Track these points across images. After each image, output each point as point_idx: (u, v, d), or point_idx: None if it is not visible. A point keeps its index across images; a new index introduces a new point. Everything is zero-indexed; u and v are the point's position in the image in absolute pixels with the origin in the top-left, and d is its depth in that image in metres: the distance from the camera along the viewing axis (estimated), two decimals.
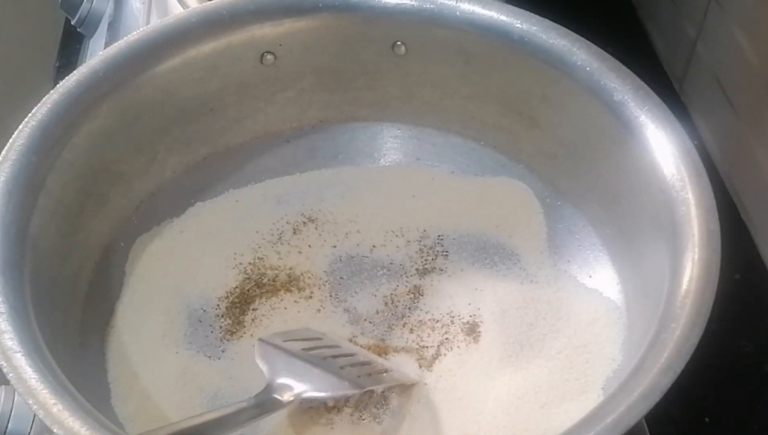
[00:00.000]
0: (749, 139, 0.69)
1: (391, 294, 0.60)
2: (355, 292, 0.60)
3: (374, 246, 0.62)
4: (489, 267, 0.60)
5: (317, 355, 0.53)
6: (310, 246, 0.62)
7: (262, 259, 0.61)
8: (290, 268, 0.61)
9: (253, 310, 0.59)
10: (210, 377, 0.55)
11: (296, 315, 0.59)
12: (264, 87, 0.64)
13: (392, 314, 0.58)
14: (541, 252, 0.61)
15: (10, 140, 0.52)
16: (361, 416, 0.53)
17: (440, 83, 0.64)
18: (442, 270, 0.61)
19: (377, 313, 0.59)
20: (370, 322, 0.58)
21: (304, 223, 0.63)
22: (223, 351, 0.57)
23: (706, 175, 0.50)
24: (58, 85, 0.55)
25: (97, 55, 0.58)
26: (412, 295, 0.59)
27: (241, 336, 0.57)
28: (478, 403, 0.54)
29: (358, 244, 0.62)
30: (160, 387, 0.54)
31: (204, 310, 0.58)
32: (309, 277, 0.60)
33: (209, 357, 0.56)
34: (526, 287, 0.59)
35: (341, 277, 0.61)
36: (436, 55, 0.62)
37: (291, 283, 0.60)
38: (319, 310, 0.59)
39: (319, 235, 0.63)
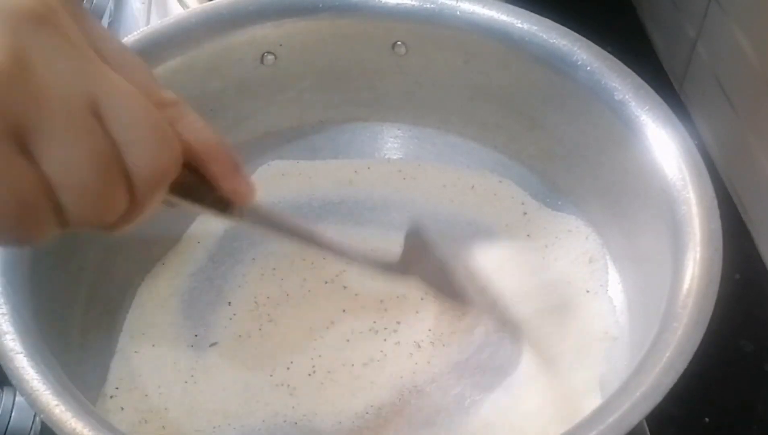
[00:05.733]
0: (749, 139, 0.69)
1: None
2: None
3: None
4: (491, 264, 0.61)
5: None
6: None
7: None
8: None
9: (255, 302, 0.59)
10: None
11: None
12: (264, 87, 0.64)
13: None
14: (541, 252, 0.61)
15: None
16: None
17: (440, 83, 0.64)
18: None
19: None
20: None
21: None
22: None
23: (707, 174, 0.50)
24: None
25: None
26: None
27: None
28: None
29: None
30: (161, 387, 0.54)
31: None
32: None
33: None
34: (525, 288, 0.59)
35: None
36: (436, 55, 0.62)
37: None
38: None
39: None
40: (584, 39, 0.57)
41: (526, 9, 0.59)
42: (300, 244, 0.47)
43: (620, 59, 0.56)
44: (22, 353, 0.44)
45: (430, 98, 0.65)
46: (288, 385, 0.55)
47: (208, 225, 0.63)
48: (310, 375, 0.55)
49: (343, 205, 0.65)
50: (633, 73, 0.55)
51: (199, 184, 0.37)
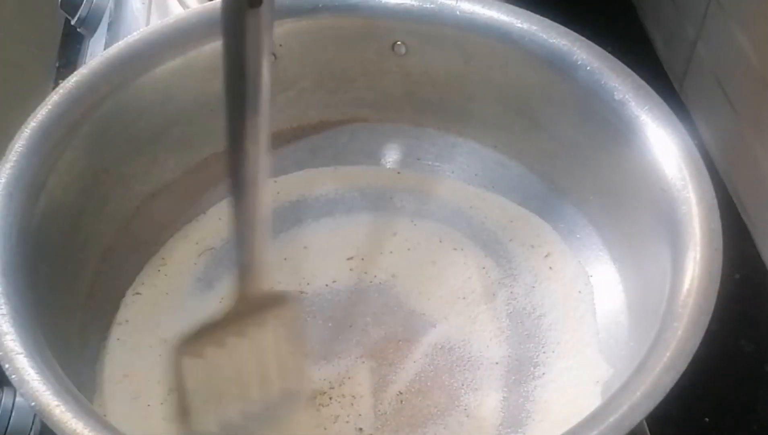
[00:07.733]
0: (749, 139, 0.69)
1: None
2: None
3: None
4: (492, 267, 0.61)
5: None
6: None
7: None
8: None
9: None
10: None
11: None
12: None
13: None
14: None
15: (11, 142, 0.52)
16: None
17: (440, 83, 0.64)
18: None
19: None
20: None
21: None
22: None
23: (707, 174, 0.50)
24: (58, 87, 0.55)
25: (98, 55, 0.58)
26: None
27: None
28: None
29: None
30: (161, 388, 0.54)
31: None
32: None
33: None
34: (524, 288, 0.59)
35: None
36: (436, 55, 0.62)
37: None
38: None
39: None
40: (584, 39, 0.57)
41: (526, 9, 0.59)
42: None
43: (620, 59, 0.56)
44: (22, 353, 0.44)
45: (430, 98, 0.65)
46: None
47: (208, 226, 0.63)
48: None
49: (343, 205, 0.65)
50: (633, 73, 0.55)
51: None
